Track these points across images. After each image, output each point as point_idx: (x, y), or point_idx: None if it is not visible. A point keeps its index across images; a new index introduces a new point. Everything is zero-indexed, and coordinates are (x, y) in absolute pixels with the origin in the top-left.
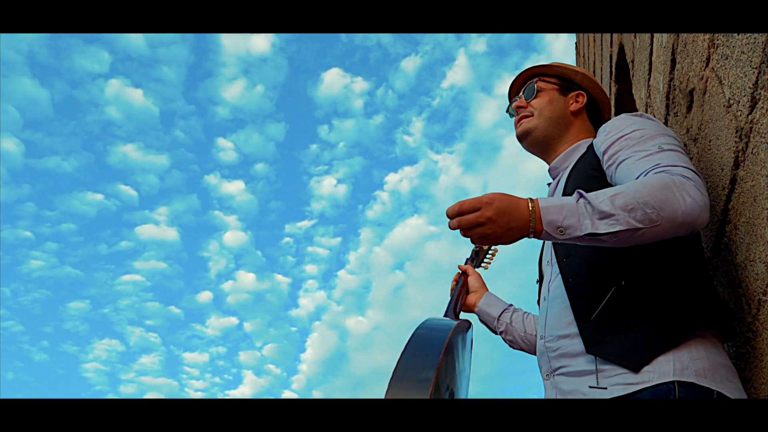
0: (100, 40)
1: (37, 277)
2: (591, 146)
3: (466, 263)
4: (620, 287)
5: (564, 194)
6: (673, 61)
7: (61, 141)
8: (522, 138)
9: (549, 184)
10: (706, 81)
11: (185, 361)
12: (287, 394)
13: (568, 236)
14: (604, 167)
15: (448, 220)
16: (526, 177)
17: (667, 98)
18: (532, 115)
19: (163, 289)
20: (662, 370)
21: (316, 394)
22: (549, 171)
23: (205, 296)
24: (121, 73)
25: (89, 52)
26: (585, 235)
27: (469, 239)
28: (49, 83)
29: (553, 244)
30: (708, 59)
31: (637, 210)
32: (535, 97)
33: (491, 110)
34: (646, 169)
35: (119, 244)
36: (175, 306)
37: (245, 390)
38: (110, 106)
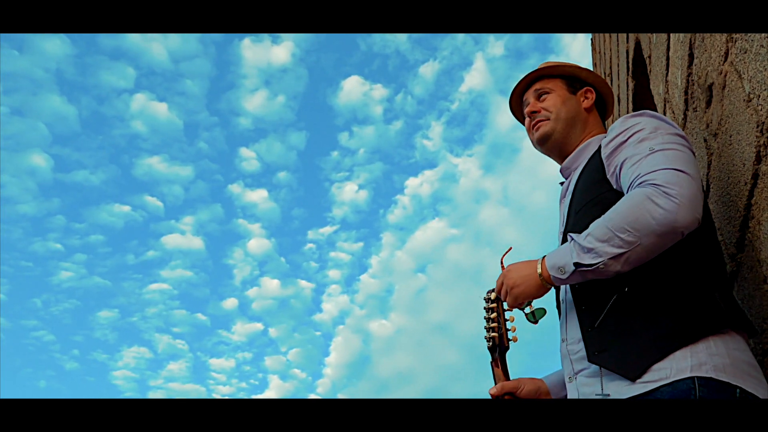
0: (125, 56)
1: (67, 288)
2: (600, 147)
3: (493, 371)
4: (622, 294)
5: (573, 196)
6: (691, 56)
7: (89, 155)
8: (541, 143)
9: (561, 183)
10: (725, 75)
11: (212, 367)
12: (313, 398)
13: (567, 273)
14: (608, 175)
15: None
16: (545, 178)
17: (686, 93)
18: (549, 119)
19: (190, 296)
20: (679, 366)
21: (341, 398)
22: (561, 171)
23: (231, 303)
24: (145, 88)
25: (114, 68)
26: (575, 266)
27: (510, 306)
28: (76, 99)
29: None
30: (726, 54)
31: (612, 238)
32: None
33: (510, 113)
34: (631, 181)
35: (146, 254)
36: (202, 313)
37: (271, 394)
38: (135, 120)
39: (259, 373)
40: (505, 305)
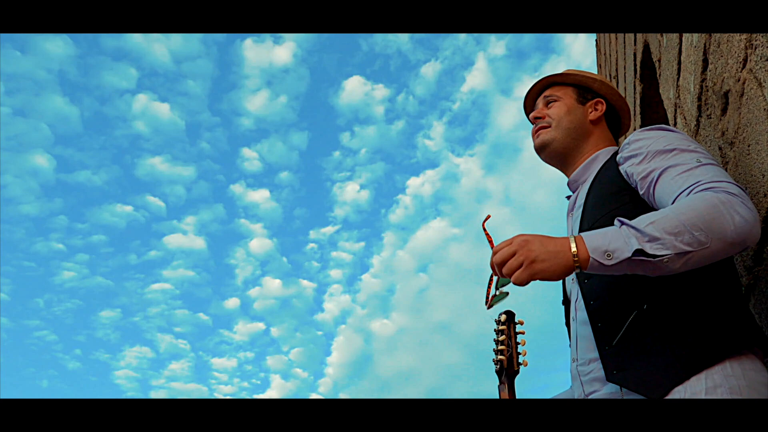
0: (127, 57)
1: (69, 288)
2: (612, 159)
3: (499, 395)
4: (642, 311)
5: (584, 208)
6: (705, 62)
7: (91, 155)
8: (540, 150)
9: (568, 197)
10: (744, 83)
11: (214, 366)
12: (314, 398)
13: (617, 260)
14: (639, 187)
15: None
16: (547, 178)
17: (699, 99)
18: (550, 126)
19: (192, 296)
20: (693, 389)
21: (343, 397)
22: (568, 184)
23: (233, 303)
24: (147, 88)
25: (117, 69)
26: (634, 254)
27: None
28: (79, 100)
29: None
30: (745, 60)
31: (684, 233)
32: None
33: (511, 112)
34: (688, 186)
35: (148, 253)
36: (204, 313)
37: (273, 394)
38: (138, 120)
39: (261, 372)
40: (518, 327)
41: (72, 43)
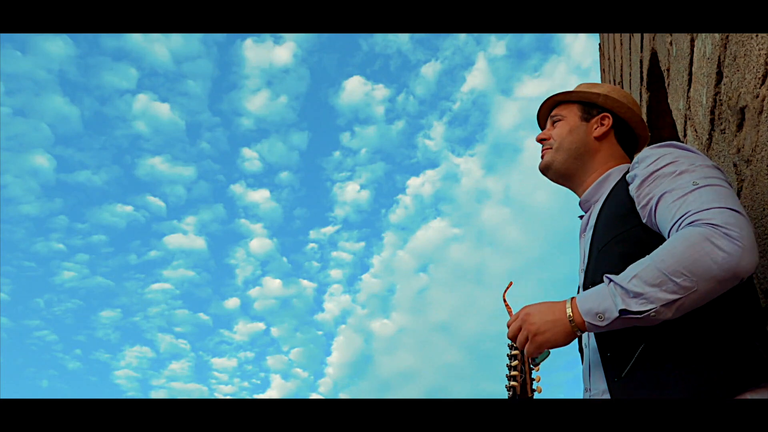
0: (127, 57)
1: (70, 288)
2: (623, 179)
3: None
4: (652, 342)
5: (595, 230)
6: (720, 75)
7: (91, 155)
8: (543, 172)
9: (581, 217)
10: (763, 100)
11: (214, 366)
12: (314, 397)
13: (608, 320)
14: (639, 209)
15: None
16: (547, 179)
17: (712, 113)
18: (551, 148)
19: (192, 296)
20: None
21: (343, 397)
22: (580, 204)
23: (233, 303)
24: (148, 89)
25: (117, 69)
26: (620, 313)
27: (528, 355)
28: (79, 100)
29: (583, 285)
30: (764, 76)
31: (666, 283)
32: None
33: (511, 112)
34: (678, 218)
35: (148, 253)
36: (204, 313)
37: (273, 394)
38: (138, 120)
39: (261, 372)
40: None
41: (72, 43)
